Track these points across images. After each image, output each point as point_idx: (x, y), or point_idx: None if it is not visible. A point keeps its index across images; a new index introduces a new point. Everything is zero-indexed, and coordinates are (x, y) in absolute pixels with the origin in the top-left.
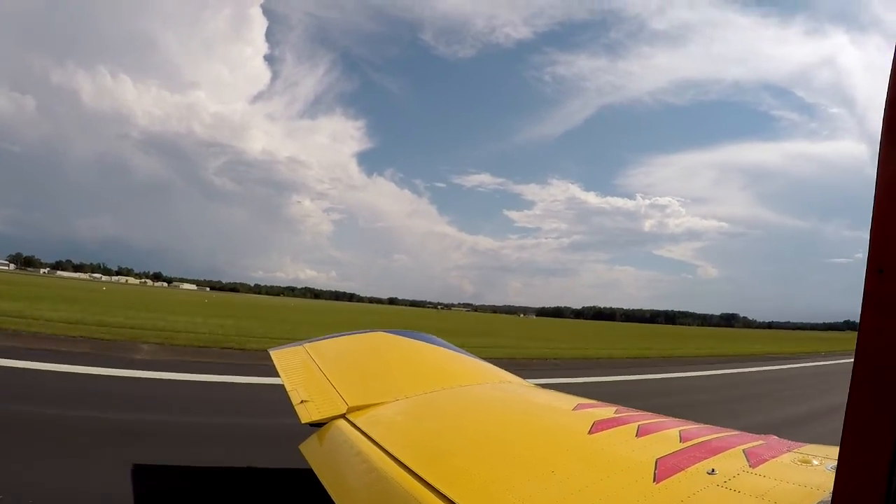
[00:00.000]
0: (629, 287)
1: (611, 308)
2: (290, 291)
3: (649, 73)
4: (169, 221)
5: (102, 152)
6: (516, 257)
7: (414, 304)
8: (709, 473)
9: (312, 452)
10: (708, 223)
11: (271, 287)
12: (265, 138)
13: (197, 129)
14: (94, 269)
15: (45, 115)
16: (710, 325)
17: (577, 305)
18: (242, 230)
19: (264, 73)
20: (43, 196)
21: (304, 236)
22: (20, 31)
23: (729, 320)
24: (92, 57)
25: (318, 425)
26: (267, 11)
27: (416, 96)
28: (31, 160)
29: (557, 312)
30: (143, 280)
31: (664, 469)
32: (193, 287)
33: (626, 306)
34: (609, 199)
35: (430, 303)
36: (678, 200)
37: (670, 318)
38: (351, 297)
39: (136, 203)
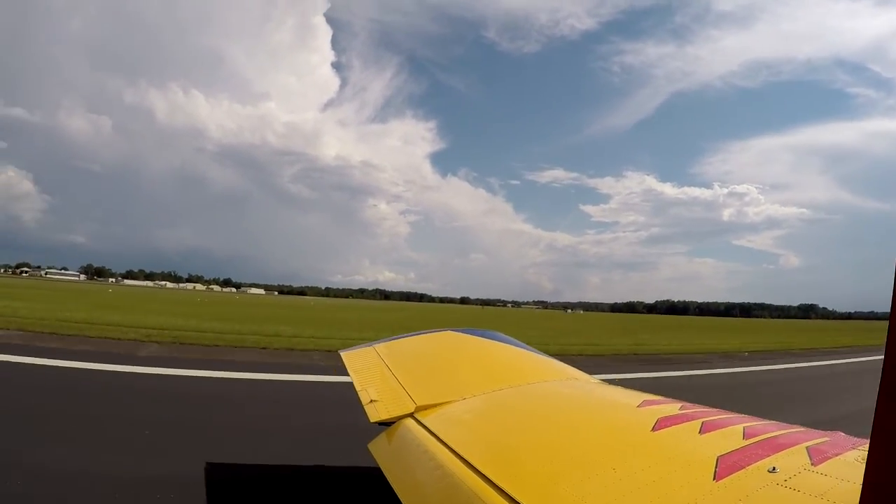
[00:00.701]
0: (709, 279)
1: (684, 302)
2: (360, 293)
3: (718, 56)
4: (247, 230)
5: (179, 166)
6: (594, 252)
7: (486, 302)
8: (770, 471)
9: (380, 451)
10: (788, 210)
11: (341, 290)
12: (338, 144)
13: (270, 138)
14: (164, 277)
15: (121, 134)
16: (787, 317)
17: (652, 300)
18: (320, 235)
19: (333, 81)
20: (123, 210)
21: (382, 239)
22: (92, 55)
23: (807, 311)
24: (163, 75)
25: (386, 424)
26: (330, 20)
27: (485, 94)
28: (110, 177)
29: (630, 307)
30: (209, 286)
31: (725, 467)
32: (261, 291)
33: (705, 299)
34: (686, 189)
35: (501, 301)
36: (756, 188)
37: (746, 310)
38: (421, 298)
39: (215, 213)
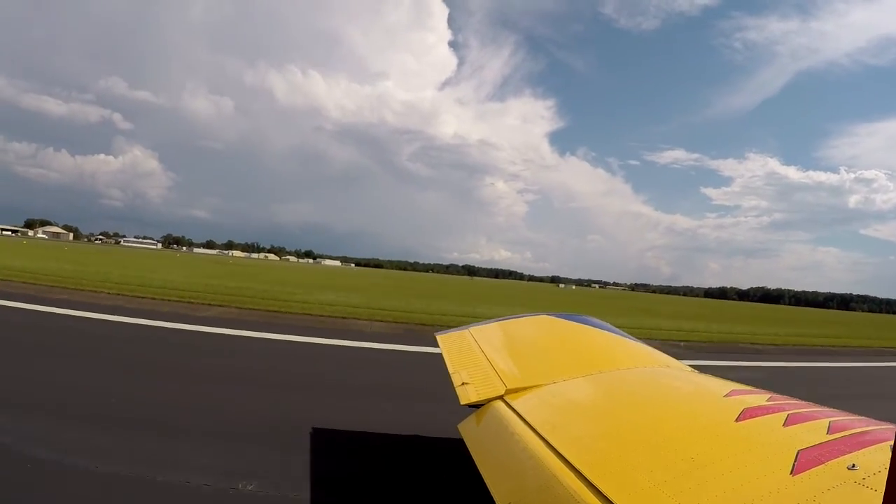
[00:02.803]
0: (832, 270)
1: (780, 290)
2: (445, 269)
3: (845, 32)
4: (366, 207)
5: (299, 144)
6: (714, 237)
7: (579, 283)
8: (849, 468)
9: (469, 432)
10: None
11: (428, 264)
12: (456, 123)
13: (388, 117)
14: (248, 248)
15: (242, 114)
16: (892, 312)
17: (747, 287)
18: (437, 213)
19: (450, 60)
20: (244, 187)
21: (498, 218)
22: (213, 39)
23: None
24: (281, 56)
25: (476, 406)
26: None
27: (604, 72)
28: (232, 155)
29: (722, 293)
30: (285, 257)
31: (804, 461)
32: (337, 263)
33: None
34: (810, 173)
35: (594, 281)
36: (885, 174)
37: (844, 302)
38: (510, 275)
39: (334, 190)
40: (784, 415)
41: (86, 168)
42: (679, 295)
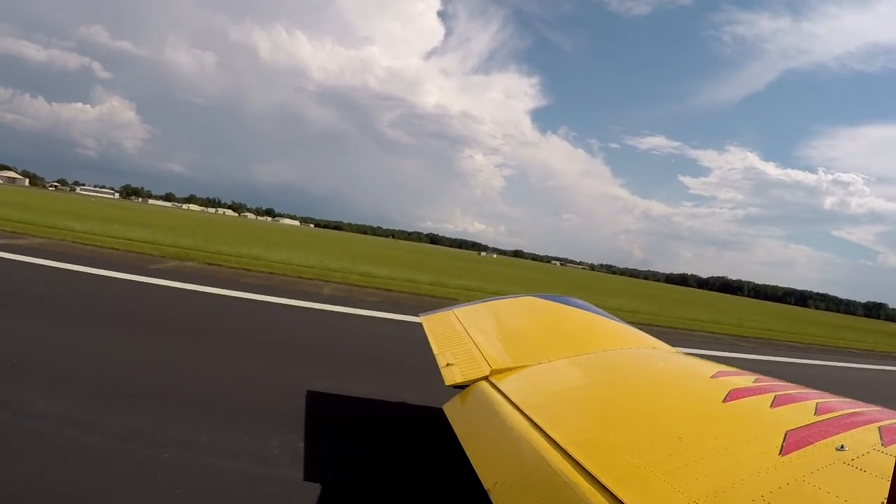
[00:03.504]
0: (804, 268)
1: (740, 281)
2: (407, 235)
3: (836, 35)
4: (344, 170)
5: (280, 104)
6: (688, 226)
7: (543, 259)
8: (837, 449)
9: (454, 413)
10: (894, 206)
11: (393, 230)
12: (439, 93)
13: (371, 82)
14: (208, 203)
15: (224, 70)
16: (849, 314)
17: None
18: (414, 181)
19: (438, 29)
20: (223, 143)
21: (475, 190)
22: None
23: (872, 310)
24: (268, 15)
25: (461, 387)
26: None
27: (591, 54)
28: (212, 111)
29: (682, 280)
30: (244, 214)
31: (792, 442)
32: (296, 223)
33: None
34: (789, 171)
35: (558, 259)
36: (862, 178)
37: (802, 298)
38: (473, 246)
39: (313, 152)
40: (771, 396)
41: (62, 115)
42: (639, 279)
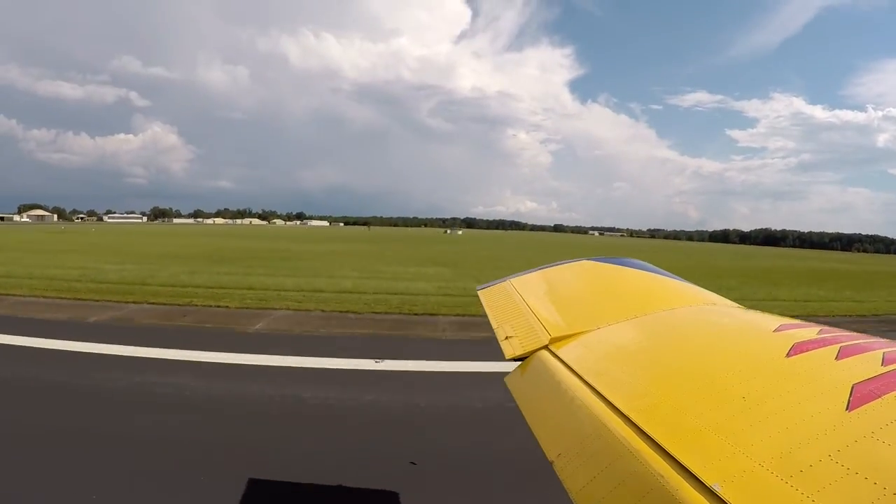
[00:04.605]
0: (864, 211)
1: (784, 231)
2: (442, 223)
3: None
4: (389, 166)
5: (317, 108)
6: (742, 180)
7: (598, 229)
8: None
9: (515, 385)
10: None
11: (426, 219)
12: (473, 76)
13: (405, 74)
14: (235, 215)
15: (258, 82)
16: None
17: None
18: (461, 168)
19: (464, 12)
20: (266, 154)
21: (523, 169)
22: (222, 9)
23: None
24: (293, 20)
25: (521, 359)
26: None
27: (620, 16)
28: (251, 123)
29: (724, 237)
30: (272, 220)
31: (859, 396)
32: (325, 223)
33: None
34: (837, 112)
35: (618, 229)
36: None
37: (850, 242)
38: (511, 225)
39: (356, 151)
40: (836, 347)
41: (107, 148)
42: (681, 240)
